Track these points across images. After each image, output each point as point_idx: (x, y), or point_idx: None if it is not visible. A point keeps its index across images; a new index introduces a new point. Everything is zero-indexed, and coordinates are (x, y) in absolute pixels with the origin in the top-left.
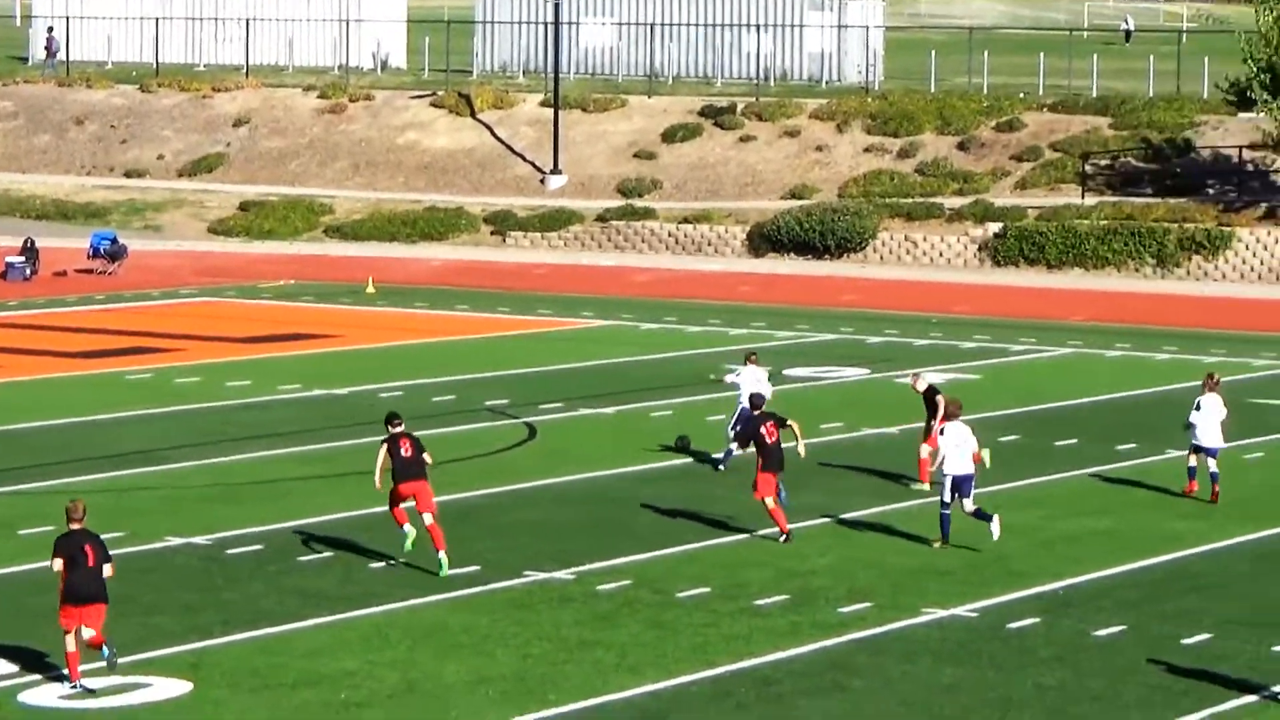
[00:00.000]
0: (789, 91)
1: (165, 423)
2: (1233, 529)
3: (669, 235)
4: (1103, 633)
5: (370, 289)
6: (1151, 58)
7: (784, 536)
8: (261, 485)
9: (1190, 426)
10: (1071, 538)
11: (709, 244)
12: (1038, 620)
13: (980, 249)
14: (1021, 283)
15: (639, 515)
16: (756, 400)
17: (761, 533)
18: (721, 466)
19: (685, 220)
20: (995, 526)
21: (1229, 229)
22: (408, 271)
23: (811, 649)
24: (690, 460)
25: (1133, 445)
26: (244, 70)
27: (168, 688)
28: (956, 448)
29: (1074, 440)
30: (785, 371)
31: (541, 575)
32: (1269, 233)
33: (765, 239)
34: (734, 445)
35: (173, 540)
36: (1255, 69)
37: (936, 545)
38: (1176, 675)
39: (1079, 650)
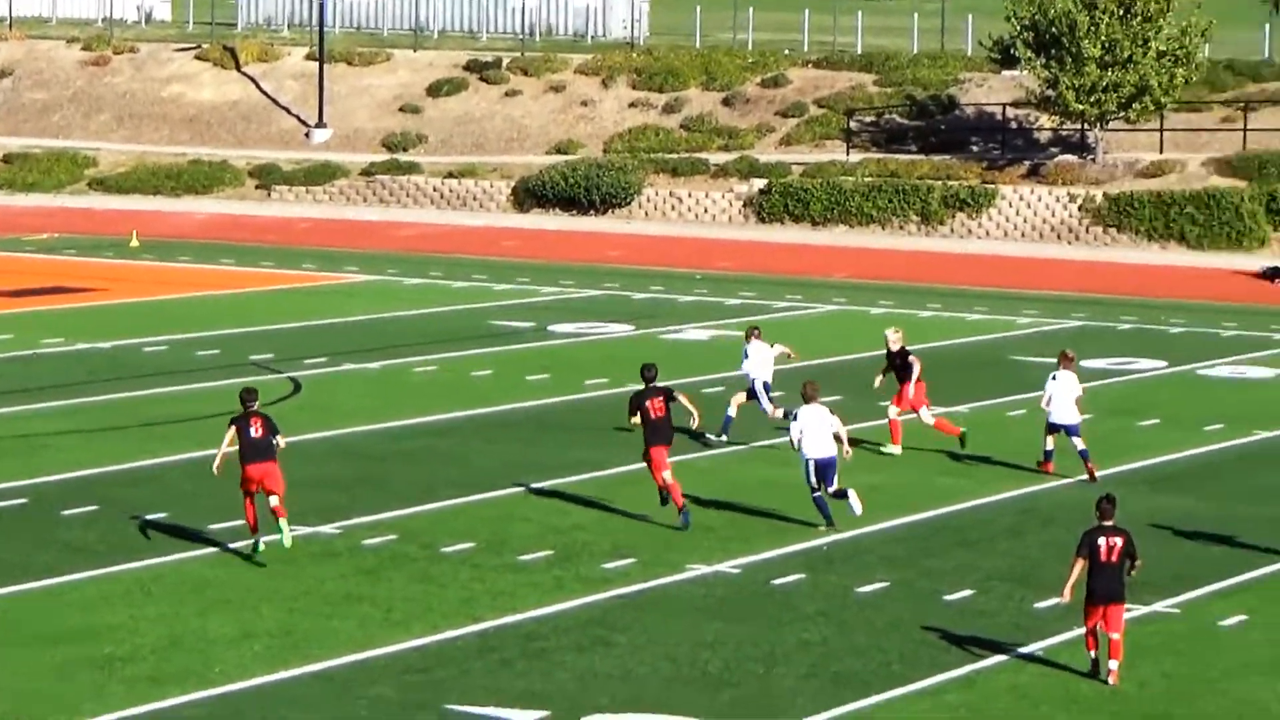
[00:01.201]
0: (554, 46)
1: None
2: (997, 485)
3: (434, 190)
4: (867, 589)
5: (134, 242)
6: (916, 15)
7: (682, 517)
8: (24, 439)
9: (1048, 402)
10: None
11: (474, 199)
12: (802, 576)
13: (745, 205)
14: (786, 239)
15: (403, 470)
16: (647, 374)
17: (535, 486)
18: (724, 436)
19: (450, 175)
20: (854, 502)
21: (992, 186)
22: (172, 225)
23: (576, 604)
24: (453, 415)
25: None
26: (6, 22)
27: None
28: (815, 430)
29: (839, 397)
30: (550, 327)
31: (306, 530)
32: (1032, 190)
33: (530, 194)
34: (731, 411)
35: None
36: (1019, 27)
37: (822, 530)
38: (939, 631)
39: (843, 606)
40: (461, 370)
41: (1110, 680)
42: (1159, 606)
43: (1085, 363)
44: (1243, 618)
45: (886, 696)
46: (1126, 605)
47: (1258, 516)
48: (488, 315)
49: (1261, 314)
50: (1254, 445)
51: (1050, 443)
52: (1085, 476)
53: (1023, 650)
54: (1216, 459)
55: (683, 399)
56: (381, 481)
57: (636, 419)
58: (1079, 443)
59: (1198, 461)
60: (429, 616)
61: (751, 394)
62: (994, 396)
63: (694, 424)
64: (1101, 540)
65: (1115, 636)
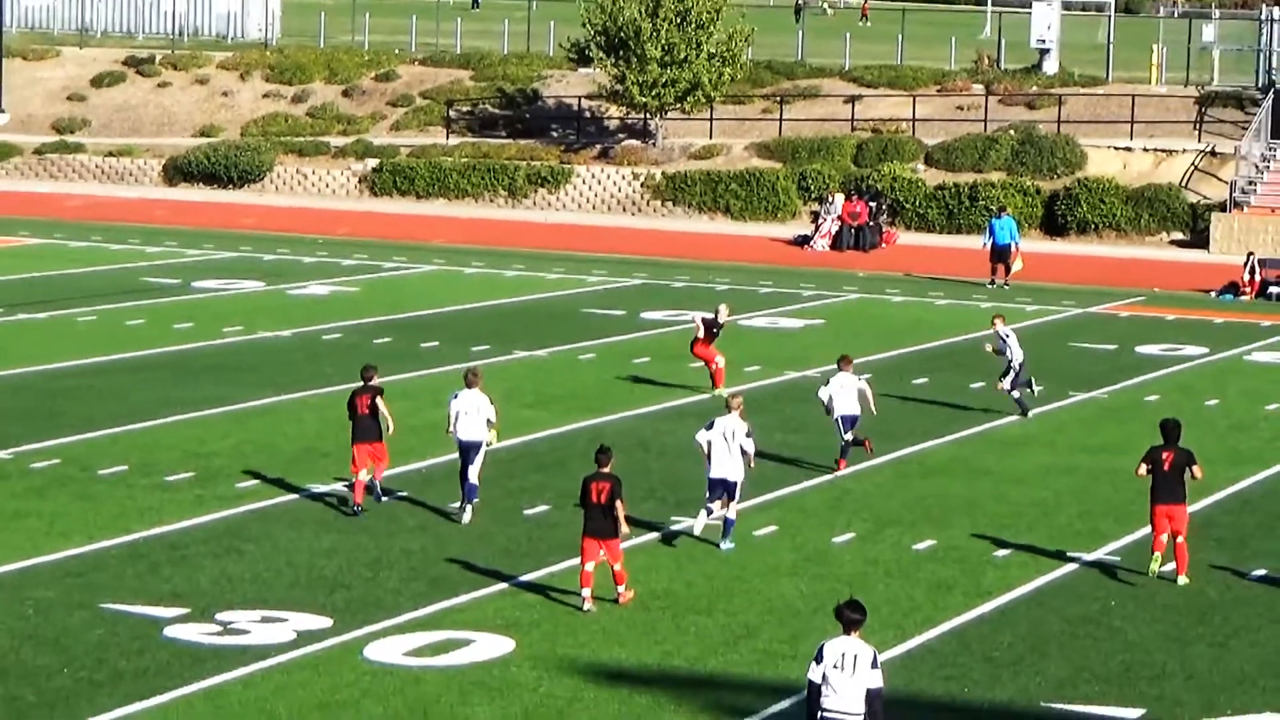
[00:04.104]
0: (200, 45)
1: None
2: (572, 417)
3: (96, 167)
4: (459, 505)
5: None
6: (506, 20)
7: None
8: None
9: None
10: (435, 425)
11: (130, 175)
12: (406, 494)
13: (360, 181)
14: (394, 210)
15: (68, 404)
16: (366, 373)
17: (179, 418)
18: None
19: (110, 154)
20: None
21: (569, 166)
22: None
23: (214, 518)
24: (110, 358)
25: (487, 347)
26: None
27: None
28: (845, 391)
29: (436, 343)
30: (194, 284)
31: None
32: (602, 169)
33: (179, 171)
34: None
35: None
36: (593, 31)
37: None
38: (519, 540)
39: (439, 521)
40: (118, 319)
41: (621, 600)
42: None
43: (645, 314)
44: (772, 528)
45: (475, 595)
46: (623, 536)
47: (788, 443)
48: (141, 274)
49: (793, 274)
50: (785, 384)
51: (849, 435)
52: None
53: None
54: (755, 394)
55: (383, 406)
56: (49, 414)
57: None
58: (849, 435)
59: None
60: (87, 529)
61: None
62: (569, 343)
63: (389, 431)
64: (593, 485)
65: (617, 567)
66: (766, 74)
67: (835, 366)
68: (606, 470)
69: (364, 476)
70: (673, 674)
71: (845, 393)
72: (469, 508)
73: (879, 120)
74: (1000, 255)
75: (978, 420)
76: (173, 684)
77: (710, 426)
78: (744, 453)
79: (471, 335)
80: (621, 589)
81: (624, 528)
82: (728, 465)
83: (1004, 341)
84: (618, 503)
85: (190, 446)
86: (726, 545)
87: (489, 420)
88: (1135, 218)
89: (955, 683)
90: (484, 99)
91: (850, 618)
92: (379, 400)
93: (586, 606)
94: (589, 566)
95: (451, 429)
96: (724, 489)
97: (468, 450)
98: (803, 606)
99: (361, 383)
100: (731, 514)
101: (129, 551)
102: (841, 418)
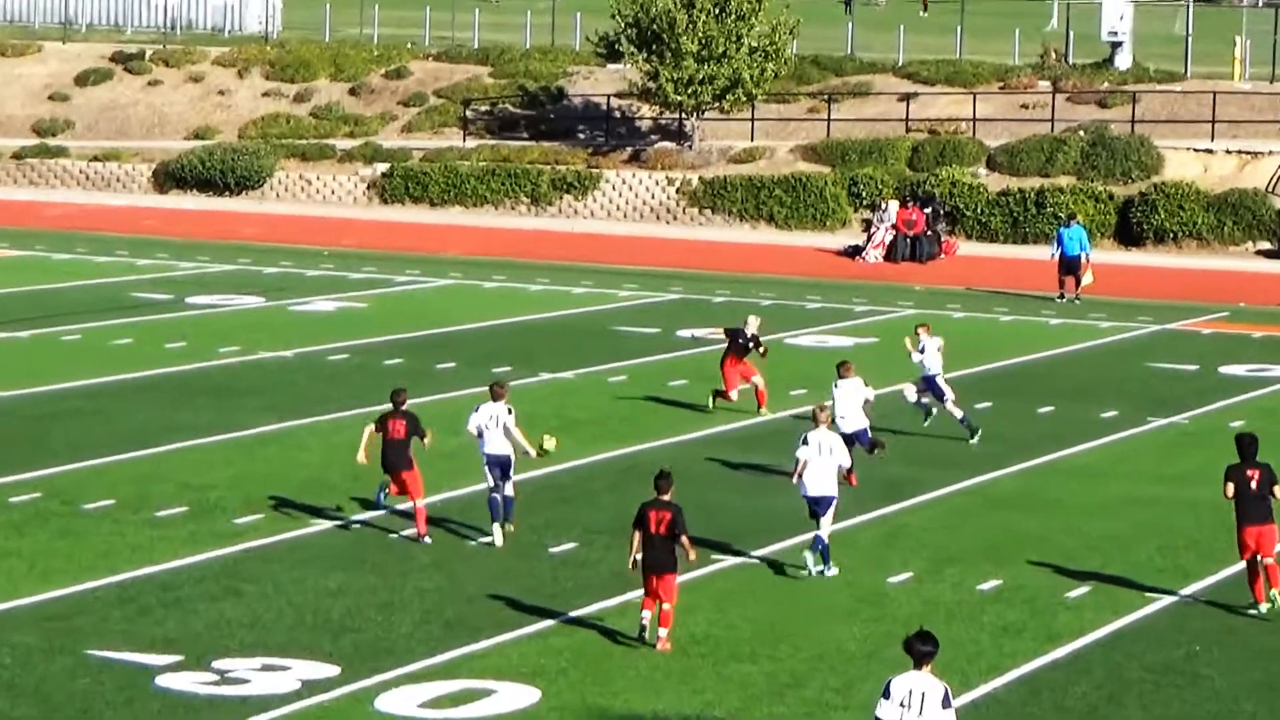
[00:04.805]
0: (194, 39)
1: None
2: (596, 447)
3: (80, 172)
4: (478, 542)
5: None
6: (529, 12)
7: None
8: None
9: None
10: (450, 454)
11: (118, 180)
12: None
13: (369, 187)
14: (407, 219)
15: (49, 432)
16: (397, 397)
17: (173, 447)
18: None
19: (96, 159)
20: None
21: (597, 171)
22: None
23: (209, 556)
24: (98, 380)
25: (509, 368)
26: None
27: None
28: (848, 401)
29: (453, 364)
30: (187, 299)
31: None
32: (634, 174)
33: (170, 176)
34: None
35: None
36: (623, 24)
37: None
38: (544, 579)
39: (456, 557)
40: (105, 338)
41: (659, 647)
42: (749, 556)
43: (681, 332)
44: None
45: (496, 640)
46: (677, 573)
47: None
48: (129, 289)
49: (843, 288)
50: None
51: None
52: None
53: (621, 597)
54: (803, 420)
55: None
56: (28, 442)
57: (372, 428)
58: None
59: (785, 423)
60: (70, 569)
61: None
62: (597, 364)
63: (426, 442)
64: (651, 513)
65: (666, 606)
66: (813, 70)
67: (837, 374)
68: (667, 498)
69: (421, 503)
70: None
71: (849, 403)
72: (501, 529)
73: (936, 120)
74: (1070, 267)
75: (1046, 448)
76: None
77: (805, 441)
78: (840, 467)
79: (491, 355)
80: (664, 633)
81: (691, 554)
82: (825, 481)
83: (922, 353)
84: (684, 536)
85: (184, 478)
86: (830, 571)
87: (510, 432)
88: (1217, 226)
89: None
90: (504, 98)
91: (920, 650)
92: (418, 430)
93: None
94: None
95: (476, 441)
96: (823, 507)
97: (497, 467)
98: (856, 652)
99: (392, 406)
100: (825, 534)
101: (117, 593)
102: (856, 433)
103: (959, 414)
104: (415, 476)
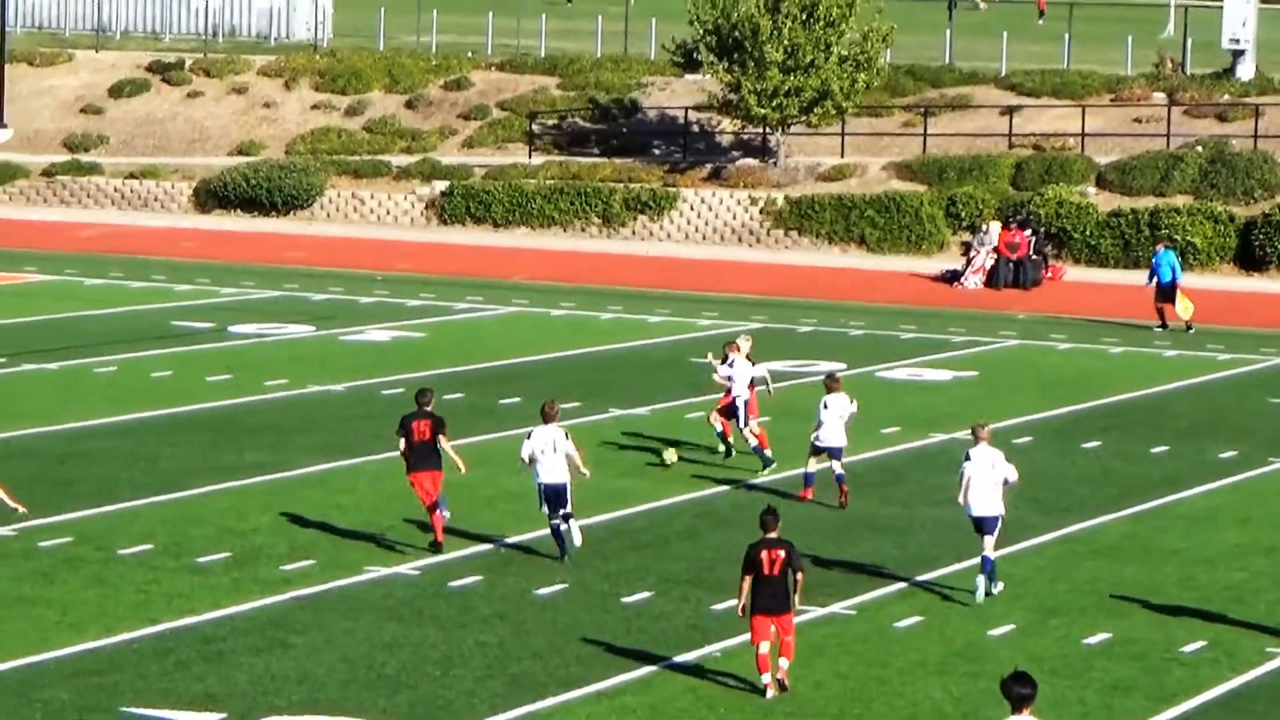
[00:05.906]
0: (237, 48)
1: None
2: (675, 488)
3: (114, 190)
4: (544, 591)
5: None
6: (600, 18)
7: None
8: None
9: (818, 426)
10: (514, 496)
11: (155, 200)
12: (479, 578)
13: (427, 207)
14: (467, 241)
15: (82, 471)
16: (422, 399)
17: (214, 488)
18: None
19: (131, 176)
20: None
21: (674, 189)
22: None
23: (253, 606)
24: (133, 416)
25: (578, 404)
26: None
27: None
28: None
29: (518, 399)
30: (230, 328)
31: None
32: (713, 193)
33: (212, 195)
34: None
35: None
36: (702, 31)
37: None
38: (616, 633)
39: (521, 608)
40: (142, 370)
41: (779, 676)
42: (836, 608)
43: (768, 366)
44: (918, 619)
45: (564, 698)
46: (796, 610)
47: (933, 519)
48: (168, 316)
49: (940, 317)
50: (931, 447)
51: (814, 464)
52: (839, 504)
53: (700, 652)
54: (894, 461)
55: (447, 445)
56: (59, 483)
57: (403, 443)
58: (838, 466)
59: (875, 463)
60: (104, 619)
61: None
62: (674, 399)
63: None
64: (764, 554)
65: (788, 639)
66: (908, 80)
67: (824, 388)
68: (775, 534)
69: (447, 514)
70: None
71: (833, 419)
72: (580, 533)
73: (1042, 135)
74: (1167, 294)
75: (1158, 491)
76: None
77: (968, 458)
78: (1006, 482)
79: (559, 388)
80: (784, 664)
81: (798, 596)
82: (990, 499)
83: (730, 369)
84: (799, 574)
85: (226, 521)
86: (996, 588)
87: (568, 455)
88: None
89: None
90: (573, 110)
91: (1018, 693)
92: (442, 436)
93: (770, 694)
94: (763, 648)
95: (530, 471)
96: (990, 525)
97: (553, 497)
98: (951, 710)
99: (416, 407)
100: (991, 553)
101: (154, 646)
102: (830, 449)
103: (754, 442)
104: (439, 479)
